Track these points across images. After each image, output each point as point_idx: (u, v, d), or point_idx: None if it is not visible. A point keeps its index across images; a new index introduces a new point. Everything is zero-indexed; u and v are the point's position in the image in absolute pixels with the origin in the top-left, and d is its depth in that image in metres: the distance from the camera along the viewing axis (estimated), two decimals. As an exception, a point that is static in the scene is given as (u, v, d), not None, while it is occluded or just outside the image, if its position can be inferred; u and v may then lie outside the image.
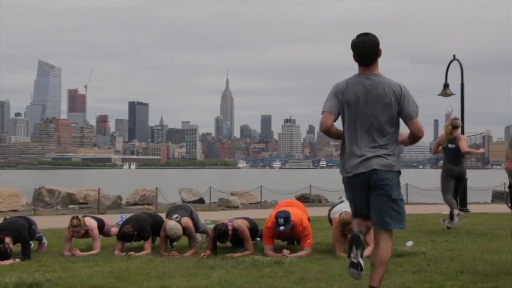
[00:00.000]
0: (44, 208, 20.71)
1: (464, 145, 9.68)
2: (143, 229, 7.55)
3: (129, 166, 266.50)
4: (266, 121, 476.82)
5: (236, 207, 22.85)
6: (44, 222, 10.97)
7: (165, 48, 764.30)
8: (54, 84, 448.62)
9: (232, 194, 25.84)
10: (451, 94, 17.61)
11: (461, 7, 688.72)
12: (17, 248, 7.17)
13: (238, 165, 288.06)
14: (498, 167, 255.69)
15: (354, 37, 4.41)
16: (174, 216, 7.49)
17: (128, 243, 7.80)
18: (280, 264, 6.22)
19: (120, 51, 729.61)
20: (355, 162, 4.24)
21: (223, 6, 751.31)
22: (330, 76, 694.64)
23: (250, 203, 25.34)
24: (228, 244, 7.79)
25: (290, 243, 7.51)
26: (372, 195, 4.26)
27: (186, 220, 7.52)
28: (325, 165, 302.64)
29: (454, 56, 17.76)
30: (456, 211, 9.27)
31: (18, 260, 6.91)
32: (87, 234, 7.70)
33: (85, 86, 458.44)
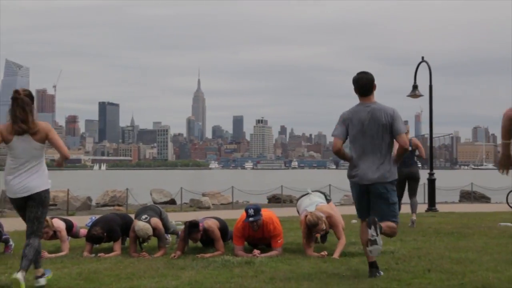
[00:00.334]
0: (11, 210, 20.29)
1: (422, 152, 10.29)
2: (113, 230, 7.48)
3: (100, 167, 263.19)
4: (238, 121, 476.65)
5: (208, 208, 22.82)
6: (11, 224, 10.77)
7: (136, 48, 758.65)
8: (22, 84, 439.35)
9: (203, 195, 25.81)
10: (420, 96, 17.86)
11: (431, 9, 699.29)
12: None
13: (210, 166, 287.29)
14: (466, 167, 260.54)
15: (355, 74, 5.59)
16: (143, 216, 7.44)
17: (98, 245, 7.72)
18: (250, 264, 6.22)
19: (90, 50, 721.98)
20: (360, 171, 5.43)
21: (195, 6, 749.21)
22: (302, 76, 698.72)
23: (222, 204, 25.33)
24: (199, 244, 7.78)
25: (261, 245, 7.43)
26: (374, 199, 5.45)
27: (156, 221, 7.47)
28: (297, 166, 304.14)
29: (422, 58, 18.04)
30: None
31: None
32: (55, 235, 7.61)
33: (54, 86, 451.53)
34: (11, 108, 5.37)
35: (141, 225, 7.25)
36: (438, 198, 18.86)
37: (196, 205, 23.55)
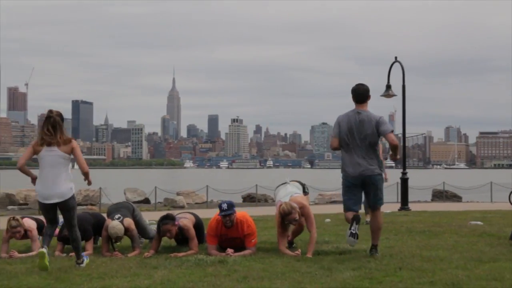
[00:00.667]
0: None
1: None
2: (85, 229, 7.39)
3: (73, 166, 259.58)
4: (213, 121, 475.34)
5: (182, 207, 22.74)
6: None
7: (110, 47, 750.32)
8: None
9: (178, 194, 25.72)
10: (393, 95, 18.03)
11: (404, 10, 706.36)
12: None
13: (184, 165, 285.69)
14: (438, 167, 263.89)
15: (355, 85, 6.72)
16: (116, 216, 7.37)
17: (69, 244, 7.63)
18: (223, 263, 6.22)
19: (63, 48, 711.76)
20: (354, 167, 6.50)
21: (170, 4, 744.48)
22: (277, 76, 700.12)
23: (196, 203, 25.27)
24: (172, 243, 7.75)
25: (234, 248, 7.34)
26: (367, 188, 6.58)
27: (129, 222, 7.41)
28: (272, 165, 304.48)
29: (396, 58, 18.22)
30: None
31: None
32: (26, 235, 7.50)
33: (26, 84, 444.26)
34: (43, 124, 6.29)
35: (114, 225, 7.18)
36: (410, 197, 19.09)
37: (171, 204, 23.45)
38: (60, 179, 6.19)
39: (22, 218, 7.60)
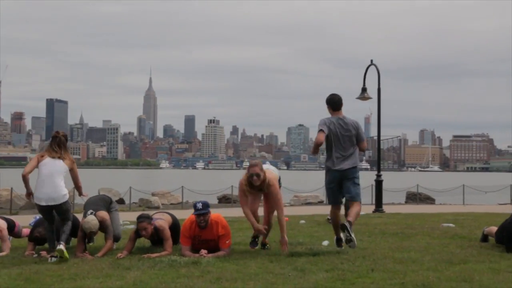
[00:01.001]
0: None
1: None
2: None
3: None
4: (189, 121, 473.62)
5: (157, 208, 22.63)
6: None
7: (86, 45, 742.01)
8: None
9: (153, 195, 25.61)
10: (369, 98, 18.17)
11: (380, 13, 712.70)
12: None
13: (160, 165, 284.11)
14: (413, 169, 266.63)
15: (329, 95, 7.54)
16: (89, 212, 7.30)
17: (41, 245, 7.53)
18: (197, 264, 6.19)
19: (38, 46, 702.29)
20: (338, 162, 7.27)
21: (147, 4, 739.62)
22: (254, 77, 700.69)
23: (171, 204, 25.19)
24: (146, 244, 7.70)
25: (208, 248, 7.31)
26: (347, 182, 7.27)
27: (103, 214, 7.34)
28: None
29: (371, 61, 18.38)
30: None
31: None
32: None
33: None
34: (50, 142, 7.30)
35: (88, 220, 7.11)
36: (385, 199, 19.26)
37: (145, 204, 23.34)
38: (58, 186, 6.98)
39: (-7, 218, 7.49)
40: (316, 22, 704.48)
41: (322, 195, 24.48)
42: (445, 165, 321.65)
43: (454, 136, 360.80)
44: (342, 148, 7.31)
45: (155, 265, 6.19)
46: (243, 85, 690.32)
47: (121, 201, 25.13)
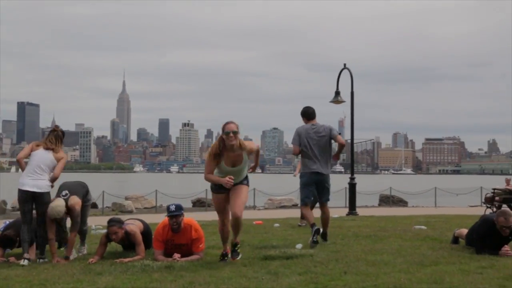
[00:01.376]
0: None
1: None
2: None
3: (17, 169, 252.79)
4: (163, 124, 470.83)
5: (130, 212, 22.43)
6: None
7: (58, 47, 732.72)
8: None
9: (126, 199, 25.35)
10: (342, 102, 18.28)
11: (352, 17, 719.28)
12: None
13: (134, 169, 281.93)
14: (386, 172, 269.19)
15: (303, 108, 8.46)
16: (63, 193, 7.15)
17: (10, 249, 7.40)
18: (170, 268, 6.16)
19: (9, 48, 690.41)
20: (313, 169, 8.07)
21: (120, 7, 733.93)
22: (229, 80, 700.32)
23: (145, 208, 24.96)
24: (119, 249, 7.62)
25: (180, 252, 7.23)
26: (321, 186, 8.18)
27: (75, 200, 7.14)
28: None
29: (344, 65, 18.51)
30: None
31: None
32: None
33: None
34: (48, 134, 7.52)
35: (55, 205, 6.93)
36: (358, 202, 19.37)
37: (119, 209, 23.09)
38: (43, 175, 7.17)
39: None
40: (291, 26, 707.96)
41: (296, 198, 24.53)
42: (418, 167, 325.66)
43: (426, 139, 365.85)
44: (318, 153, 8.08)
45: (127, 270, 6.13)
46: (218, 88, 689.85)
47: (93, 206, 24.82)
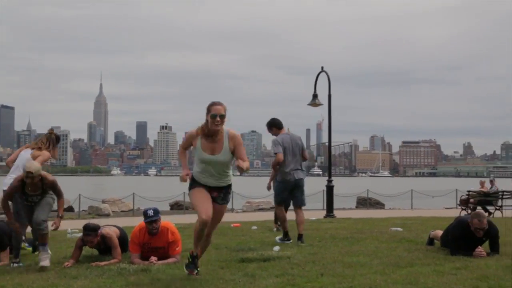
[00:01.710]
0: None
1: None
2: (1, 239, 7.08)
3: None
4: (141, 127, 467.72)
5: (107, 215, 22.26)
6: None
7: (34, 49, 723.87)
8: None
9: (103, 202, 25.13)
10: (320, 104, 18.40)
11: (332, 23, 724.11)
12: None
13: (112, 172, 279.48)
14: (363, 174, 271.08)
15: (270, 119, 9.26)
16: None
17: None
18: (147, 271, 6.12)
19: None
20: (291, 173, 8.77)
21: (97, 9, 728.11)
22: (207, 83, 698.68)
23: (122, 211, 24.79)
24: (95, 252, 7.55)
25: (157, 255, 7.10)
26: (297, 191, 8.88)
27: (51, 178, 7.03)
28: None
29: (322, 68, 18.63)
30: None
31: None
32: None
33: None
34: (42, 137, 7.96)
35: (28, 164, 6.85)
36: (336, 205, 19.50)
37: (95, 212, 22.88)
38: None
39: None
40: (270, 29, 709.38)
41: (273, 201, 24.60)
42: (395, 170, 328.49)
43: (403, 142, 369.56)
44: (295, 160, 8.80)
45: (103, 273, 6.08)
46: (196, 91, 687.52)
47: (70, 209, 24.58)
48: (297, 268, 6.23)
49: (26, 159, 7.53)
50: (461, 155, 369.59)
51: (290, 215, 9.24)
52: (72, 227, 12.38)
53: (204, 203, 5.71)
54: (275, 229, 11.04)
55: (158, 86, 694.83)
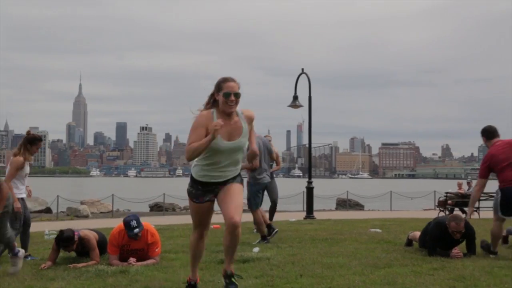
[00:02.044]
0: None
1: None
2: None
3: None
4: (121, 128, 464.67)
5: (86, 217, 22.05)
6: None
7: (11, 49, 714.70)
8: None
9: (82, 203, 24.92)
10: (300, 106, 18.44)
11: (312, 25, 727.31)
12: None
13: (91, 173, 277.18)
14: (343, 176, 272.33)
15: None
16: None
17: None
18: (125, 273, 6.08)
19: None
20: (262, 175, 9.26)
21: (76, 9, 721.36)
22: (187, 84, 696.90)
23: (101, 212, 24.59)
24: (72, 254, 7.48)
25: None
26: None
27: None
28: (181, 174, 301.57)
29: (302, 69, 18.67)
30: None
31: None
32: None
33: None
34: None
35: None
36: (316, 206, 19.54)
37: (74, 213, 22.65)
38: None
39: None
40: (250, 30, 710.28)
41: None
42: (374, 172, 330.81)
43: (383, 144, 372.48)
44: (266, 162, 9.33)
45: (81, 275, 6.02)
46: (176, 92, 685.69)
47: (48, 210, 24.35)
48: (277, 269, 6.24)
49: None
50: (439, 157, 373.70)
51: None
52: (50, 228, 12.24)
53: (203, 215, 5.01)
54: (255, 230, 11.03)
55: (138, 87, 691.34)
